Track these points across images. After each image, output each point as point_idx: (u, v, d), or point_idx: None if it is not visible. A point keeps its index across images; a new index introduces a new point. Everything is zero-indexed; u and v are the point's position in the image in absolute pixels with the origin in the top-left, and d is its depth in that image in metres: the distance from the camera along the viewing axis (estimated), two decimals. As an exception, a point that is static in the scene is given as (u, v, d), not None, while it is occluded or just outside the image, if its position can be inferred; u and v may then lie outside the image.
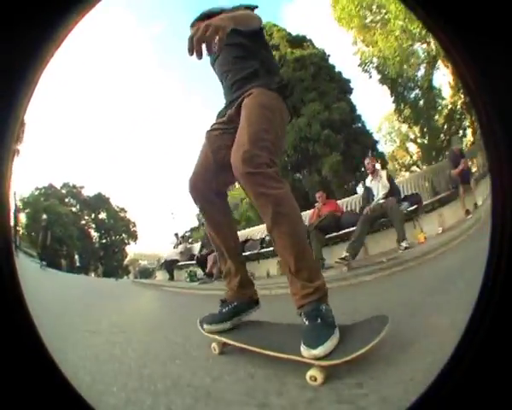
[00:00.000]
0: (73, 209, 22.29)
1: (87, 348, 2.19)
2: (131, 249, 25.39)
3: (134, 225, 25.69)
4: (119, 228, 24.44)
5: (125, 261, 24.32)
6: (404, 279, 3.10)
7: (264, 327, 1.76)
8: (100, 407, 1.13)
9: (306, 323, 1.34)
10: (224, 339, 1.70)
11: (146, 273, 26.68)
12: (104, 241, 23.42)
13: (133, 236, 25.27)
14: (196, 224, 27.15)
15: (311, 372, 1.22)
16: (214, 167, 1.74)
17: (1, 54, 0.59)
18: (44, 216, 18.04)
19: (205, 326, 1.79)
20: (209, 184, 1.76)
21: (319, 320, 1.33)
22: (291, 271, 1.44)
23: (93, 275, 22.29)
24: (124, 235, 24.67)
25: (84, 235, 21.51)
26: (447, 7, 0.59)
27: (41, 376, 0.64)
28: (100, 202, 23.57)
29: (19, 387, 0.61)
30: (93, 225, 22.89)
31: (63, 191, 21.74)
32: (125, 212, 24.51)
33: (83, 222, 22.32)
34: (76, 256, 19.75)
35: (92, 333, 2.63)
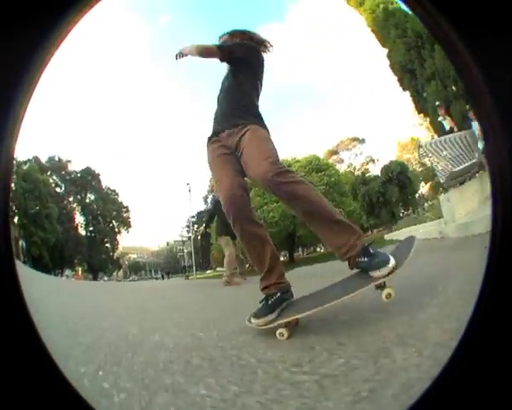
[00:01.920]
0: (58, 190, 19.22)
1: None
2: (120, 242, 22.26)
3: (127, 210, 22.57)
4: (110, 212, 21.26)
5: (116, 254, 21.20)
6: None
7: (308, 297, 2.09)
8: (100, 407, 1.16)
9: (366, 259, 1.85)
10: (291, 318, 1.89)
11: (136, 268, 23.48)
12: (91, 228, 20.35)
13: (125, 222, 22.16)
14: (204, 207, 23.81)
15: (386, 291, 1.77)
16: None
17: (0, 54, 0.59)
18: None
19: (253, 321, 1.99)
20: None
21: (374, 251, 1.86)
22: (331, 235, 2.00)
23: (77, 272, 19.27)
24: (114, 222, 21.56)
25: (67, 218, 18.31)
26: (448, 6, 0.60)
27: (41, 376, 0.63)
28: (88, 179, 20.39)
29: (19, 387, 0.61)
30: (78, 208, 19.69)
31: (47, 165, 18.75)
32: (117, 194, 21.36)
33: (66, 203, 19.19)
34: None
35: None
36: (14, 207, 14.32)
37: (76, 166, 20.51)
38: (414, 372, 1.13)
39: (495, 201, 0.61)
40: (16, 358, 0.60)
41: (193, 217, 24.13)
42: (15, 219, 14.12)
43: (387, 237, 11.17)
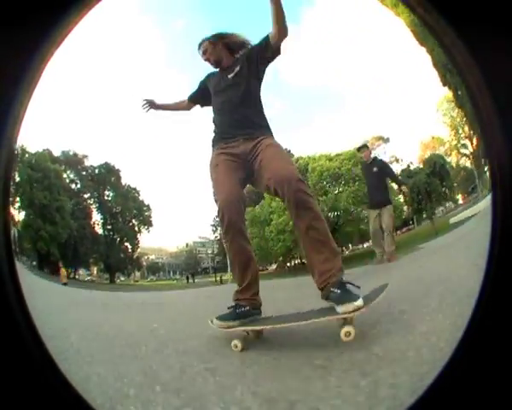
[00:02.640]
0: (73, 186, 18.71)
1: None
2: (140, 241, 21.67)
3: (148, 209, 21.83)
4: (130, 210, 20.56)
5: (135, 254, 20.65)
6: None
7: (274, 317, 2.24)
8: (100, 407, 1.20)
9: (339, 291, 1.92)
10: (256, 327, 2.09)
11: (154, 269, 22.81)
12: (109, 226, 19.72)
13: (146, 222, 21.38)
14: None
15: (346, 329, 1.78)
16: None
17: (1, 54, 0.60)
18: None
19: (215, 322, 2.21)
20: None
21: (348, 286, 1.96)
22: (320, 259, 2.07)
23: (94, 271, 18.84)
24: (134, 221, 20.91)
25: (83, 214, 17.65)
26: (448, 7, 0.60)
27: (41, 376, 0.64)
28: (106, 175, 19.78)
29: (19, 387, 0.62)
30: (96, 205, 19.06)
31: (61, 158, 18.32)
32: (137, 192, 20.73)
33: (82, 199, 18.62)
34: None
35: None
36: (17, 198, 13.81)
37: (93, 162, 20.11)
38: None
39: (495, 200, 0.63)
40: (16, 358, 0.60)
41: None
42: (13, 209, 13.52)
43: (453, 220, 12.16)
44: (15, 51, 0.58)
